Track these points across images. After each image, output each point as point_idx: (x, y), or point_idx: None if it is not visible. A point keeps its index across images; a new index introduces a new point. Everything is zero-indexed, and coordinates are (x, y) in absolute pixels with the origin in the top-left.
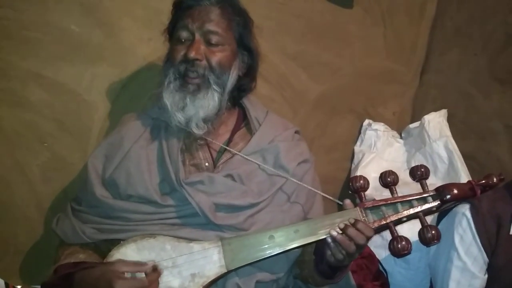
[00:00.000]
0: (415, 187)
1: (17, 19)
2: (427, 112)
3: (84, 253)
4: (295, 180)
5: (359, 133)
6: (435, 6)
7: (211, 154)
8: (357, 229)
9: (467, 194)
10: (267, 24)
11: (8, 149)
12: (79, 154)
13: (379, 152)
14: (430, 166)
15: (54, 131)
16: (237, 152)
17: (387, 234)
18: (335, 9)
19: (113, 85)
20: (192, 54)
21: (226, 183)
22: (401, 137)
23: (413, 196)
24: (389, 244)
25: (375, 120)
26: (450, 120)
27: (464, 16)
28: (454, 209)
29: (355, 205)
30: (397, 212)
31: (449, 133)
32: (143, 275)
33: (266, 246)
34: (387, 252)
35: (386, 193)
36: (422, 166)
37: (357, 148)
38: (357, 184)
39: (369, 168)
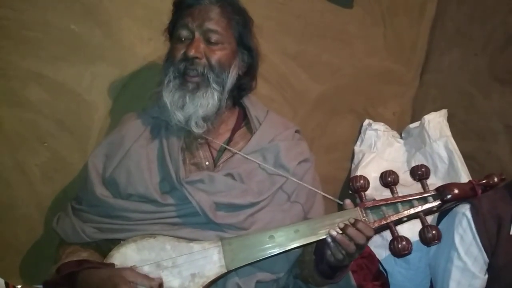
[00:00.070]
0: (416, 187)
1: (17, 19)
2: (427, 112)
3: (86, 251)
4: (295, 180)
5: (359, 133)
6: (435, 6)
7: (211, 153)
8: (357, 229)
9: (468, 194)
10: (267, 24)
11: (8, 149)
12: (79, 154)
13: (379, 152)
14: (430, 166)
15: (54, 131)
16: (237, 151)
17: (387, 234)
18: (335, 9)
19: (113, 85)
20: (191, 53)
21: (227, 182)
22: (401, 137)
23: (414, 196)
24: (390, 244)
25: (375, 120)
26: (450, 120)
27: (464, 16)
28: (454, 209)
29: (356, 205)
30: (397, 212)
31: (449, 133)
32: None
33: (266, 246)
34: (387, 252)
35: (386, 193)
36: (422, 165)
37: (357, 148)
38: (358, 184)
39: (369, 168)
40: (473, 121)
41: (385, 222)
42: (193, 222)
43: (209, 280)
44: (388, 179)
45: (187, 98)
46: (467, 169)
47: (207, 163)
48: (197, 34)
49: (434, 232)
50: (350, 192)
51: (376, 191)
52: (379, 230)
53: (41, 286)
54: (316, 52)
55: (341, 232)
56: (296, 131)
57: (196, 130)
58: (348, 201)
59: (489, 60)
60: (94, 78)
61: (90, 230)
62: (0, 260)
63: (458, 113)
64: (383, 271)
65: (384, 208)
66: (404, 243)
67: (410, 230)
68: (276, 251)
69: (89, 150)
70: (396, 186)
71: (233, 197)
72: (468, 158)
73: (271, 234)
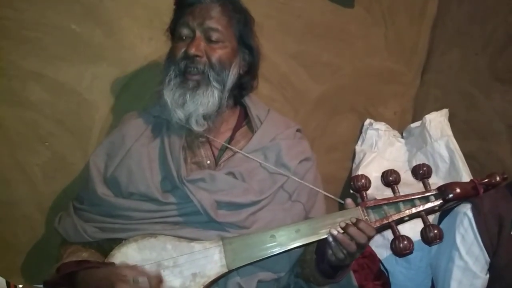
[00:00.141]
0: (417, 187)
1: (17, 18)
2: (428, 112)
3: (87, 251)
4: (296, 179)
5: (360, 132)
6: (436, 6)
7: (212, 152)
8: (359, 229)
9: (469, 193)
10: (267, 23)
11: (9, 149)
12: (80, 154)
13: (380, 151)
14: (431, 165)
15: (55, 130)
16: (238, 150)
17: (388, 234)
18: (336, 9)
19: (113, 84)
20: (192, 51)
21: (228, 180)
22: (402, 137)
23: (415, 195)
24: (391, 243)
25: (376, 119)
26: (451, 119)
27: (465, 16)
28: (455, 208)
29: (357, 204)
30: (399, 211)
31: (450, 132)
32: (146, 281)
33: (268, 245)
34: (389, 252)
35: (387, 193)
36: (424, 165)
37: (358, 147)
38: (359, 183)
39: (370, 168)
40: (474, 121)
41: (386, 221)
42: (194, 221)
43: (210, 280)
44: (390, 178)
45: (188, 96)
46: (468, 168)
47: (208, 162)
48: (198, 33)
49: (436, 231)
50: (351, 191)
51: (377, 191)
52: (380, 229)
53: (42, 286)
54: (317, 52)
55: (342, 231)
56: (298, 130)
57: (196, 128)
58: (349, 200)
59: (489, 59)
60: (95, 78)
61: (91, 229)
62: (1, 260)
63: (459, 112)
64: (384, 270)
65: (385, 207)
66: (405, 242)
67: (412, 230)
68: (277, 250)
69: (89, 150)
70: (398, 185)
71: (235, 196)
72: (469, 158)
73: (272, 233)
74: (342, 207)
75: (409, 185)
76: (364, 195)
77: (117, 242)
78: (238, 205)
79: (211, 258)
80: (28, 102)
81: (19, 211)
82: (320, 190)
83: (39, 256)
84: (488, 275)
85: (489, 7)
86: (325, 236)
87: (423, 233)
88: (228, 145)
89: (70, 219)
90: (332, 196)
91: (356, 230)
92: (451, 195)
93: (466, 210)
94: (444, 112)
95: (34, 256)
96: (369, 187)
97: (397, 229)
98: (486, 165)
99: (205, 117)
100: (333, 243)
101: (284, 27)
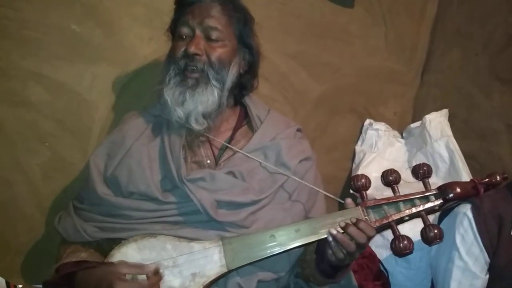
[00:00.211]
0: (417, 187)
1: (17, 18)
2: (428, 112)
3: (86, 251)
4: (296, 178)
5: (360, 132)
6: (436, 6)
7: (212, 152)
8: (359, 228)
9: (470, 192)
10: (267, 23)
11: (9, 149)
12: (80, 154)
13: (380, 151)
14: (431, 165)
15: (55, 130)
16: (238, 150)
17: (388, 234)
18: (336, 9)
19: (113, 85)
20: (192, 49)
21: (228, 180)
22: (402, 137)
23: (415, 195)
24: (391, 243)
25: (376, 120)
26: (451, 119)
27: (465, 16)
28: (455, 209)
29: (357, 204)
30: (399, 211)
31: (450, 132)
32: (144, 277)
33: (267, 245)
34: (388, 252)
35: (387, 193)
36: (424, 164)
37: (358, 147)
38: (359, 183)
39: (370, 168)
40: (474, 121)
41: (386, 221)
42: (194, 221)
43: (210, 280)
44: (390, 178)
45: (187, 94)
46: (468, 168)
47: (208, 161)
48: (197, 31)
49: (436, 231)
50: (351, 191)
51: (377, 191)
52: (380, 229)
53: (41, 286)
54: (316, 52)
55: (341, 231)
56: (298, 130)
57: (196, 126)
58: (349, 200)
59: (489, 60)
60: (95, 78)
61: (91, 229)
62: (0, 260)
63: (459, 112)
64: (384, 271)
65: (385, 207)
66: (405, 242)
67: (412, 230)
68: (277, 250)
69: (89, 150)
70: (398, 185)
71: (235, 195)
72: (469, 158)
73: (272, 233)
74: (342, 207)
75: (409, 185)
76: (364, 195)
77: (116, 242)
78: (238, 204)
79: (210, 258)
80: (28, 102)
81: (19, 211)
82: (320, 190)
83: (39, 256)
84: (487, 276)
85: (489, 7)
86: (325, 236)
87: (423, 233)
88: (228, 145)
89: (70, 219)
90: (332, 196)
91: (356, 230)
92: (451, 195)
93: (466, 210)
94: (444, 112)
95: (34, 256)
96: (369, 187)
97: (397, 229)
98: (486, 165)
99: (205, 115)
100: (332, 243)
101: (284, 27)
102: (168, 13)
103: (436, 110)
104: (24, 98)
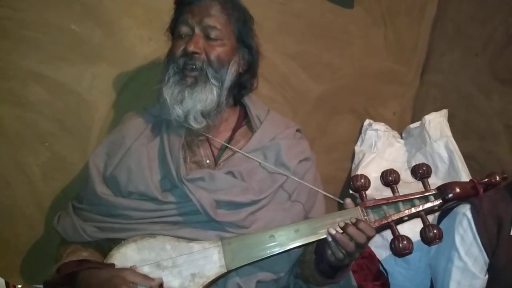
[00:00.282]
0: (416, 187)
1: (17, 18)
2: (428, 112)
3: (86, 251)
4: (295, 178)
5: (360, 133)
6: (435, 6)
7: (212, 152)
8: (359, 229)
9: (469, 192)
10: (267, 24)
11: (9, 149)
12: (79, 154)
13: (380, 152)
14: (430, 166)
15: (55, 131)
16: (238, 150)
17: (387, 234)
18: (336, 9)
19: (113, 85)
20: (191, 48)
21: (227, 180)
22: (401, 137)
23: (415, 195)
24: (391, 243)
25: (375, 120)
26: (451, 120)
27: (465, 16)
28: (454, 209)
29: (356, 204)
30: (398, 211)
31: (449, 133)
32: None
33: (267, 245)
34: (388, 252)
35: (386, 194)
36: (423, 164)
37: (357, 148)
38: (358, 183)
39: (370, 168)
40: (473, 121)
41: (386, 221)
42: (193, 221)
43: (209, 280)
44: (389, 178)
45: (186, 93)
46: (468, 169)
47: (208, 161)
48: (197, 30)
49: (435, 231)
50: (351, 191)
51: (376, 191)
52: (380, 229)
53: (41, 286)
54: (316, 52)
55: (341, 231)
56: (297, 130)
57: (195, 125)
58: (348, 200)
59: (489, 60)
60: (94, 78)
61: (90, 229)
62: (0, 260)
63: (459, 113)
64: (384, 271)
65: (385, 207)
66: (405, 242)
67: (411, 230)
68: (277, 250)
69: (89, 150)
70: (397, 185)
71: (234, 195)
72: (469, 158)
73: (271, 233)
74: (341, 207)
75: (409, 185)
76: (364, 195)
77: (116, 242)
78: (238, 204)
79: (210, 258)
80: (27, 102)
81: (18, 211)
82: (320, 190)
83: (38, 256)
84: (487, 276)
85: (489, 7)
86: (325, 236)
87: (423, 233)
88: (227, 145)
89: (69, 219)
90: (331, 196)
91: (355, 230)
92: (450, 195)
93: (465, 210)
94: (444, 112)
95: (34, 256)
96: (368, 187)
97: (397, 229)
98: (485, 166)
99: (204, 114)
100: (332, 243)
101: (284, 28)
102: (168, 13)
103: (436, 110)
104: (24, 98)
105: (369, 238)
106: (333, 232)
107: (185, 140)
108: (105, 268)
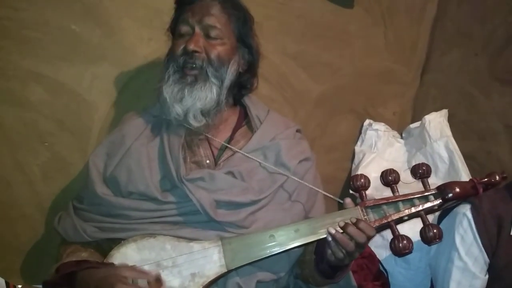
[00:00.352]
0: (416, 187)
1: (17, 18)
2: (428, 112)
3: (86, 251)
4: (295, 178)
5: (360, 133)
6: (435, 6)
7: (212, 152)
8: (359, 228)
9: (469, 192)
10: (267, 24)
11: (8, 149)
12: (79, 154)
13: (380, 152)
14: (430, 166)
15: (54, 131)
16: (238, 150)
17: (387, 234)
18: (336, 9)
19: (113, 85)
20: (191, 46)
21: (227, 180)
22: (401, 137)
23: (415, 195)
24: (390, 243)
25: (375, 120)
26: (451, 120)
27: (465, 16)
28: (455, 209)
29: (356, 204)
30: (398, 210)
31: (449, 133)
32: (145, 282)
33: (267, 245)
34: (388, 252)
35: (386, 194)
36: (423, 164)
37: (357, 148)
38: (358, 183)
39: (370, 168)
40: (473, 121)
41: (386, 221)
42: (193, 221)
43: (209, 280)
44: (389, 178)
45: (186, 91)
46: (468, 169)
47: (207, 161)
48: (197, 29)
49: (435, 231)
50: (351, 191)
51: (376, 191)
52: (379, 229)
53: (41, 286)
54: (316, 52)
55: (341, 231)
56: (297, 130)
57: (194, 123)
58: (348, 200)
59: (489, 60)
60: (94, 78)
61: (91, 229)
62: (0, 260)
63: (459, 113)
64: (384, 271)
65: (385, 207)
66: (405, 242)
67: (411, 230)
68: (277, 250)
69: (89, 150)
70: (397, 185)
71: (234, 195)
72: (469, 158)
73: (271, 233)
74: (341, 207)
75: (408, 185)
76: (364, 194)
77: (116, 242)
78: (238, 204)
79: (210, 258)
80: (27, 102)
81: (18, 211)
82: (320, 190)
83: (38, 256)
84: (487, 276)
85: (489, 7)
86: (324, 236)
87: (423, 232)
88: (227, 145)
89: (69, 219)
90: (331, 196)
91: (355, 229)
92: (450, 195)
93: (465, 210)
94: (444, 112)
95: (34, 256)
96: (368, 186)
97: (397, 228)
98: (485, 166)
99: (203, 112)
100: (332, 242)
101: (284, 27)
102: (168, 13)
103: (436, 110)
104: (24, 98)
105: (369, 238)
106: (333, 231)
107: (185, 140)
108: (102, 268)
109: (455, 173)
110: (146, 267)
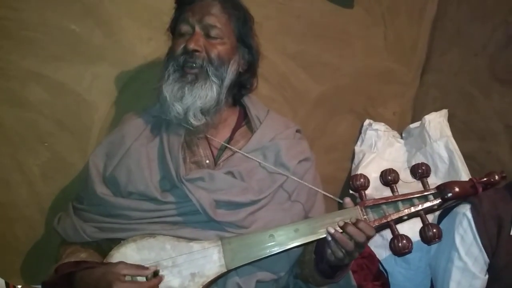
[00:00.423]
0: (416, 187)
1: (17, 19)
2: (428, 112)
3: (85, 252)
4: (295, 178)
5: (360, 133)
6: (435, 6)
7: (211, 152)
8: (358, 228)
9: (468, 192)
10: (267, 24)
11: (8, 149)
12: (79, 154)
13: (380, 152)
14: (430, 166)
15: (54, 131)
16: (237, 150)
17: (387, 234)
18: (336, 9)
19: (113, 85)
20: (191, 45)
21: (227, 180)
22: (401, 137)
23: (414, 194)
24: (390, 242)
25: (375, 120)
26: (451, 120)
27: (465, 16)
28: (454, 209)
29: (356, 203)
30: (398, 210)
31: (449, 133)
32: (143, 279)
33: (266, 245)
34: (388, 252)
35: (386, 194)
36: (423, 164)
37: (357, 148)
38: (358, 183)
39: (370, 168)
40: (473, 121)
41: (385, 220)
42: (193, 221)
43: (209, 280)
44: (389, 178)
45: (186, 89)
46: (468, 169)
47: (207, 161)
48: (197, 28)
49: (435, 230)
50: (351, 191)
51: (376, 191)
52: (379, 228)
53: (41, 286)
54: (316, 52)
55: (340, 230)
56: (297, 131)
57: (194, 122)
58: (348, 200)
59: (489, 60)
60: (94, 78)
61: (90, 229)
62: (0, 260)
63: (459, 113)
64: (384, 271)
65: (384, 206)
66: (404, 241)
67: (411, 230)
68: (276, 250)
69: (89, 150)
70: (397, 185)
71: (234, 195)
72: (469, 158)
73: (271, 233)
74: (341, 207)
75: (408, 185)
76: (363, 194)
77: (116, 242)
78: (237, 204)
79: (210, 258)
80: (27, 102)
81: (18, 211)
82: (320, 190)
83: (38, 257)
84: (487, 276)
85: (489, 7)
86: (324, 236)
87: (422, 232)
88: (227, 145)
89: (69, 219)
90: (331, 196)
91: (355, 229)
92: (450, 194)
93: (465, 210)
94: (444, 112)
95: (34, 257)
96: (368, 186)
97: (396, 228)
98: (485, 166)
99: (203, 111)
100: (332, 242)
101: (284, 28)
102: (168, 13)
103: (436, 110)
104: (23, 98)
105: (369, 238)
106: (332, 231)
107: (185, 140)
108: (100, 267)
109: (455, 173)
110: None
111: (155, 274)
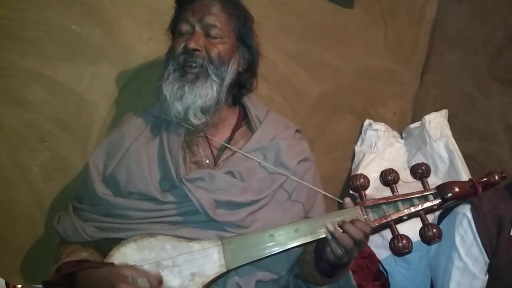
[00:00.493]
0: (416, 187)
1: (17, 18)
2: (428, 112)
3: (86, 251)
4: (295, 178)
5: (360, 133)
6: (435, 6)
7: (211, 152)
8: (354, 225)
9: (468, 192)
10: (267, 23)
11: (8, 149)
12: (79, 154)
13: (380, 152)
14: (430, 166)
15: (54, 130)
16: (237, 150)
17: (387, 234)
18: (336, 9)
19: (113, 85)
20: (191, 45)
21: (227, 179)
22: (401, 137)
23: (414, 194)
24: (390, 242)
25: (375, 120)
26: (451, 120)
27: (465, 16)
28: (455, 209)
29: (356, 204)
30: (398, 210)
31: (449, 133)
32: (145, 282)
33: (266, 245)
34: (388, 252)
35: (386, 194)
36: (423, 164)
37: (357, 148)
38: (358, 183)
39: (370, 168)
40: (473, 121)
41: (385, 220)
42: (193, 221)
43: (209, 280)
44: (389, 178)
45: (186, 88)
46: (468, 169)
47: (207, 161)
48: (197, 28)
49: (434, 230)
50: (351, 191)
51: (376, 191)
52: (379, 228)
53: (41, 286)
54: (316, 52)
55: (340, 230)
56: (297, 131)
57: (194, 121)
58: (348, 200)
59: (489, 60)
60: (94, 78)
61: (90, 229)
62: (0, 260)
63: (459, 113)
64: (384, 271)
65: (384, 206)
66: (404, 241)
67: (411, 230)
68: (276, 250)
69: (89, 150)
70: (397, 185)
71: (233, 195)
72: (469, 158)
73: (271, 233)
74: (341, 207)
75: (408, 185)
76: (363, 194)
77: (116, 242)
78: (237, 204)
79: (210, 258)
80: (27, 102)
81: (18, 211)
82: (320, 190)
83: (38, 256)
84: (487, 276)
85: (489, 7)
86: (324, 236)
87: (422, 232)
88: (227, 145)
89: (69, 219)
90: (331, 196)
91: (351, 226)
92: (449, 194)
93: (465, 211)
94: (444, 112)
95: (34, 256)
96: (368, 186)
97: (396, 228)
98: (485, 166)
99: (203, 110)
100: (331, 240)
101: (284, 28)
102: (168, 13)
103: (436, 110)
104: (23, 98)
105: (366, 235)
106: (331, 228)
107: (185, 140)
108: (103, 267)
109: (455, 173)
110: (146, 267)
111: (158, 278)
